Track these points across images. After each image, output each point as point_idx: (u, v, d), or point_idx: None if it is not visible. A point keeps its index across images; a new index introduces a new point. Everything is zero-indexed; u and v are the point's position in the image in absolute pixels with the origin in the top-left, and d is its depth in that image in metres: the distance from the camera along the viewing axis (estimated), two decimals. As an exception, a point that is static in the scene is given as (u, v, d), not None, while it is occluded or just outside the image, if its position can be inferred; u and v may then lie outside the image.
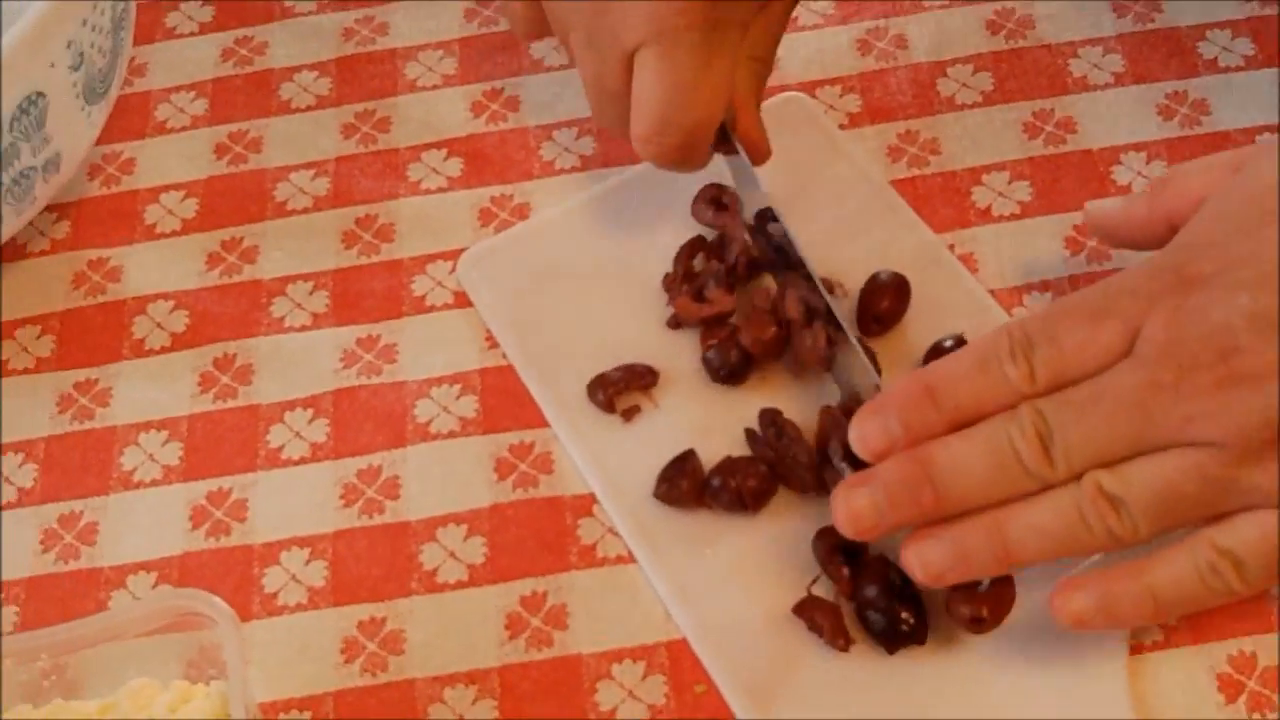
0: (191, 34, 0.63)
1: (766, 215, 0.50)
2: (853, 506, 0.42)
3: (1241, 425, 0.39)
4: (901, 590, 0.44)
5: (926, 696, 0.43)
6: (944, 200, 0.54)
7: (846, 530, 0.43)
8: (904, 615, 0.43)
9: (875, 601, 0.44)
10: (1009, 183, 0.54)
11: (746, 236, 0.51)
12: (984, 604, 0.43)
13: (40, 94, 0.49)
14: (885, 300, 0.50)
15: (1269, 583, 0.41)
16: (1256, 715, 0.42)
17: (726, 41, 0.48)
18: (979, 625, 0.43)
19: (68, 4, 0.48)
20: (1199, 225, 0.43)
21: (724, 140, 0.51)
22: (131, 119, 0.60)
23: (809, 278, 0.48)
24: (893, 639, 0.44)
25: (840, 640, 0.44)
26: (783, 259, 0.50)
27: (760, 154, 0.51)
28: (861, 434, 0.43)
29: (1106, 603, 0.41)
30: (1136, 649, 0.44)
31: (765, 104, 0.55)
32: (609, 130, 0.52)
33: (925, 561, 0.42)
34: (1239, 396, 0.39)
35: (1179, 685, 0.43)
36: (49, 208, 0.57)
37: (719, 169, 0.52)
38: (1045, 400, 0.41)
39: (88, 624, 0.42)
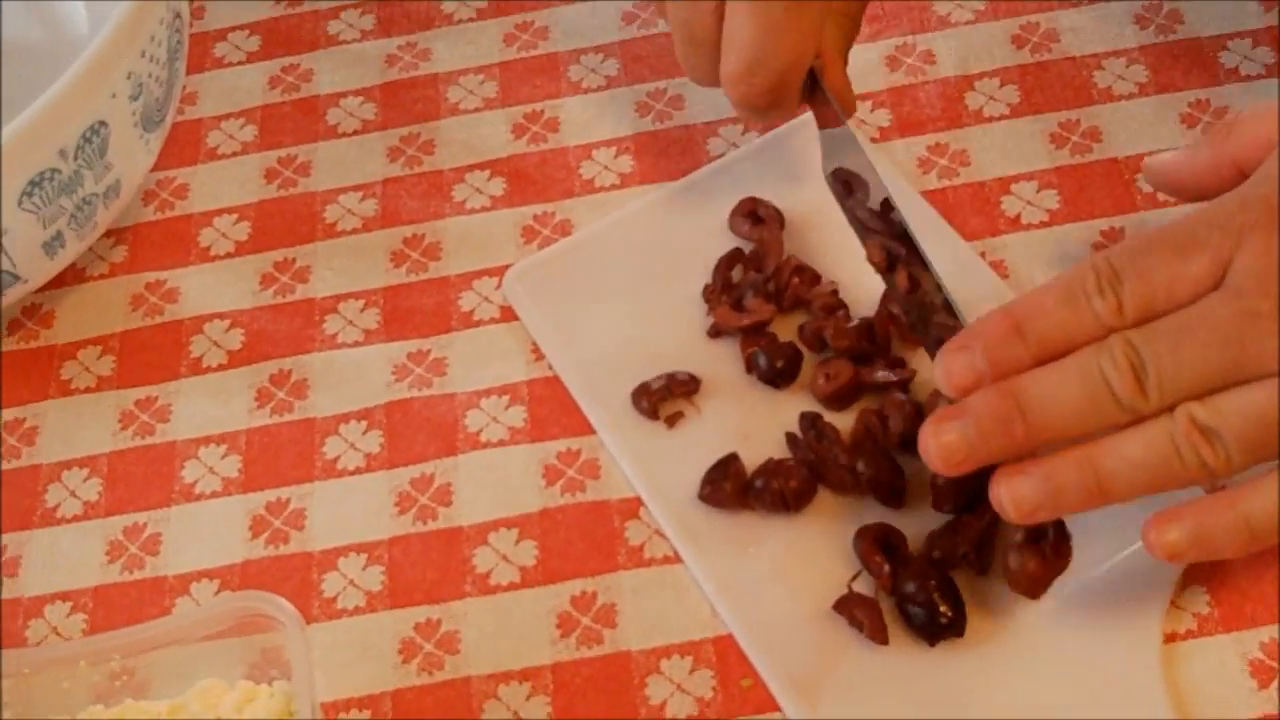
0: (240, 63, 0.65)
1: (853, 178, 0.51)
2: (943, 440, 0.42)
3: None
4: (940, 584, 0.45)
5: (965, 688, 0.45)
6: (974, 209, 0.55)
7: (936, 464, 0.43)
8: (943, 609, 0.45)
9: (915, 596, 0.45)
10: (1037, 191, 0.56)
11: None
12: (1042, 559, 0.43)
13: (103, 123, 0.51)
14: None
15: None
16: (1289, 700, 0.44)
17: None
18: (1035, 584, 0.44)
19: (128, 36, 0.50)
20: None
21: (812, 92, 0.52)
22: (184, 146, 0.62)
23: (895, 230, 0.49)
24: (933, 631, 0.45)
25: (879, 635, 0.45)
26: (861, 220, 0.51)
27: (848, 106, 0.52)
28: (947, 369, 0.43)
29: (1201, 533, 0.41)
30: (1170, 638, 0.45)
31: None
32: (696, 79, 0.53)
33: (1018, 497, 0.42)
34: None
35: (1212, 673, 0.44)
36: (107, 233, 0.59)
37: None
38: (1136, 332, 0.41)
39: (160, 625, 0.44)
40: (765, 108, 0.51)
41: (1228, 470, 0.41)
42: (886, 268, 0.49)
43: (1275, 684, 0.44)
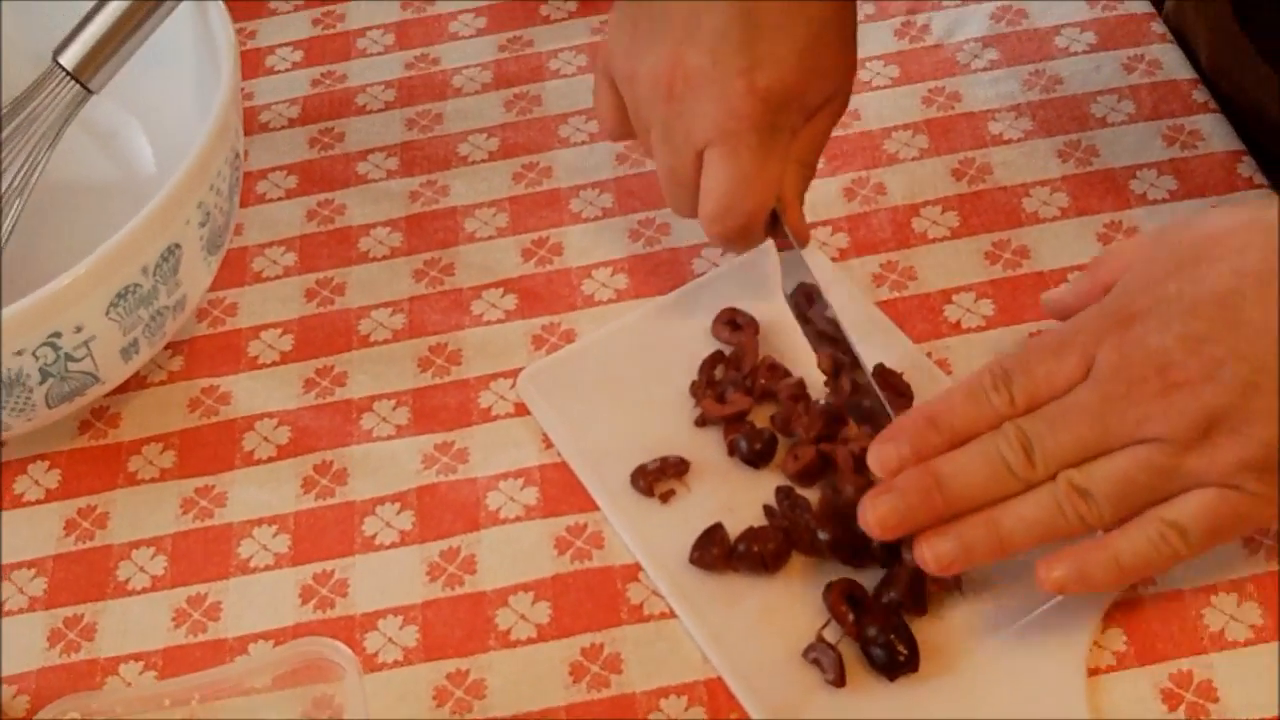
0: (280, 198, 0.74)
1: (810, 292, 0.60)
2: (879, 511, 0.52)
3: (1179, 422, 0.49)
4: (896, 628, 0.53)
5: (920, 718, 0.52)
6: (921, 317, 0.64)
7: (874, 531, 0.52)
8: (900, 648, 0.53)
9: (876, 638, 0.53)
10: (975, 301, 0.64)
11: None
12: None
13: (177, 245, 0.60)
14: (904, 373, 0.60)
15: (1209, 546, 0.50)
16: (1194, 720, 0.51)
17: (778, 144, 0.59)
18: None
19: (202, 169, 0.59)
20: (1132, 276, 0.53)
21: (774, 226, 0.61)
22: (233, 270, 0.71)
23: (839, 340, 0.58)
24: (893, 669, 0.53)
25: (838, 679, 0.53)
26: (816, 330, 0.60)
27: (803, 239, 0.62)
28: (879, 456, 0.53)
29: (1081, 570, 0.51)
30: (1094, 671, 0.53)
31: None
32: (679, 213, 0.62)
33: (937, 554, 0.51)
34: (1176, 400, 0.49)
35: (1129, 701, 0.52)
36: (166, 345, 0.67)
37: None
38: (1024, 418, 0.51)
39: (236, 666, 0.51)
40: (735, 241, 0.61)
41: (1100, 523, 0.51)
42: (833, 374, 0.58)
43: (1183, 708, 0.52)
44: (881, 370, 0.60)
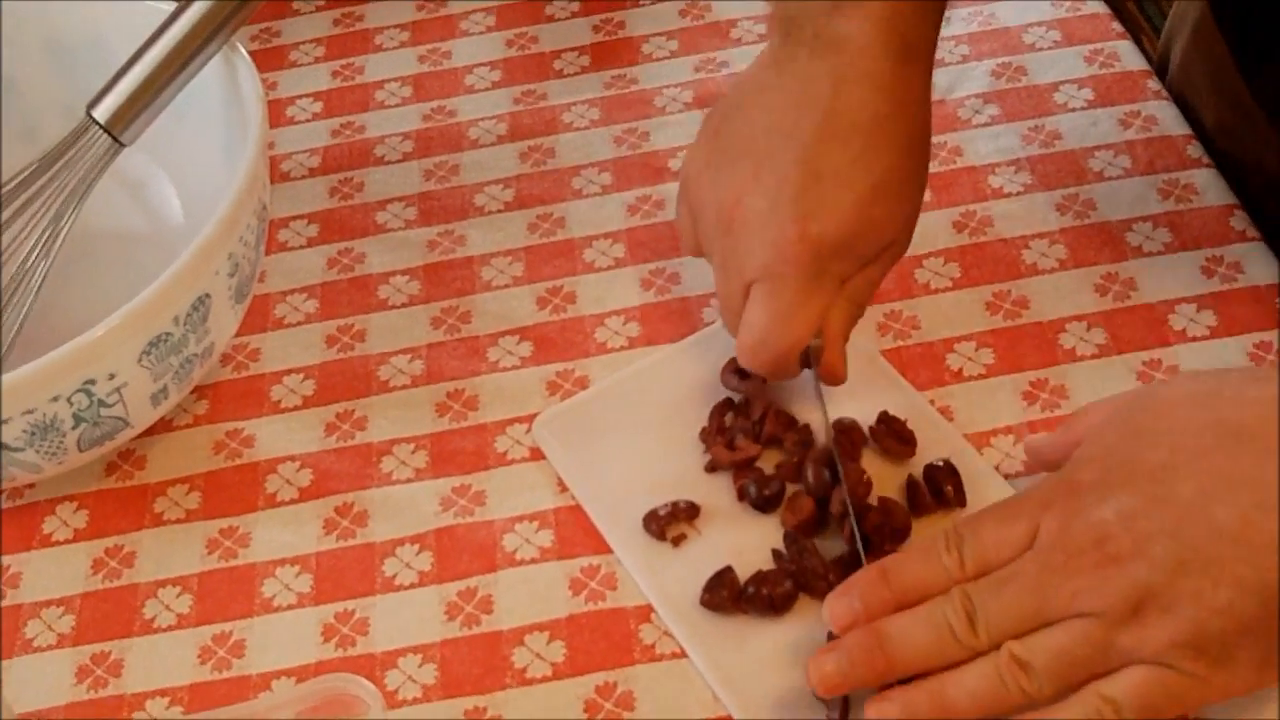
0: (301, 247, 0.76)
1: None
2: (823, 670, 0.53)
3: (1112, 598, 0.49)
4: None
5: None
6: (924, 365, 0.66)
7: (819, 689, 0.53)
8: None
9: None
10: (975, 350, 0.67)
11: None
12: None
13: (207, 295, 0.62)
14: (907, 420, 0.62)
15: None
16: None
17: (822, 288, 0.60)
18: None
19: (232, 222, 0.61)
20: (1086, 447, 0.54)
21: (811, 359, 0.62)
22: (256, 317, 0.73)
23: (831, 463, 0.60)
24: None
25: (840, 717, 0.54)
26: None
27: (835, 380, 0.62)
28: (832, 612, 0.54)
29: None
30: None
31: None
32: (729, 332, 0.63)
33: (883, 718, 0.52)
34: (1111, 574, 0.49)
35: None
36: (191, 390, 0.70)
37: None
38: (972, 584, 0.52)
39: (264, 700, 0.53)
40: (768, 374, 0.62)
41: (1040, 695, 0.51)
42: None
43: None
44: (885, 417, 0.62)
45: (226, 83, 0.69)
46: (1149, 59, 0.80)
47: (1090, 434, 0.55)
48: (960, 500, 0.60)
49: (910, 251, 0.70)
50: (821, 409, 0.62)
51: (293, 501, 0.66)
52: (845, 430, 0.62)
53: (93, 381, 0.60)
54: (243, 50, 0.68)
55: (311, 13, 0.90)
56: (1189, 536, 0.49)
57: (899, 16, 0.59)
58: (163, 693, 0.60)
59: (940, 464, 0.60)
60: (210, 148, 0.71)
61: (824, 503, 0.60)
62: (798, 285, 0.59)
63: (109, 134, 0.66)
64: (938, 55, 0.62)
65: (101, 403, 0.61)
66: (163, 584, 0.63)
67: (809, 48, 0.60)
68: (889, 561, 0.55)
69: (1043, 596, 0.51)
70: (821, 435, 0.63)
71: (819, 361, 0.62)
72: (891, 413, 0.63)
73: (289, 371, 0.71)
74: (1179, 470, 0.50)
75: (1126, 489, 0.50)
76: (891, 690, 0.53)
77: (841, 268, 0.60)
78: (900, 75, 0.59)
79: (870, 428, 0.63)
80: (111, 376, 0.60)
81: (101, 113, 0.66)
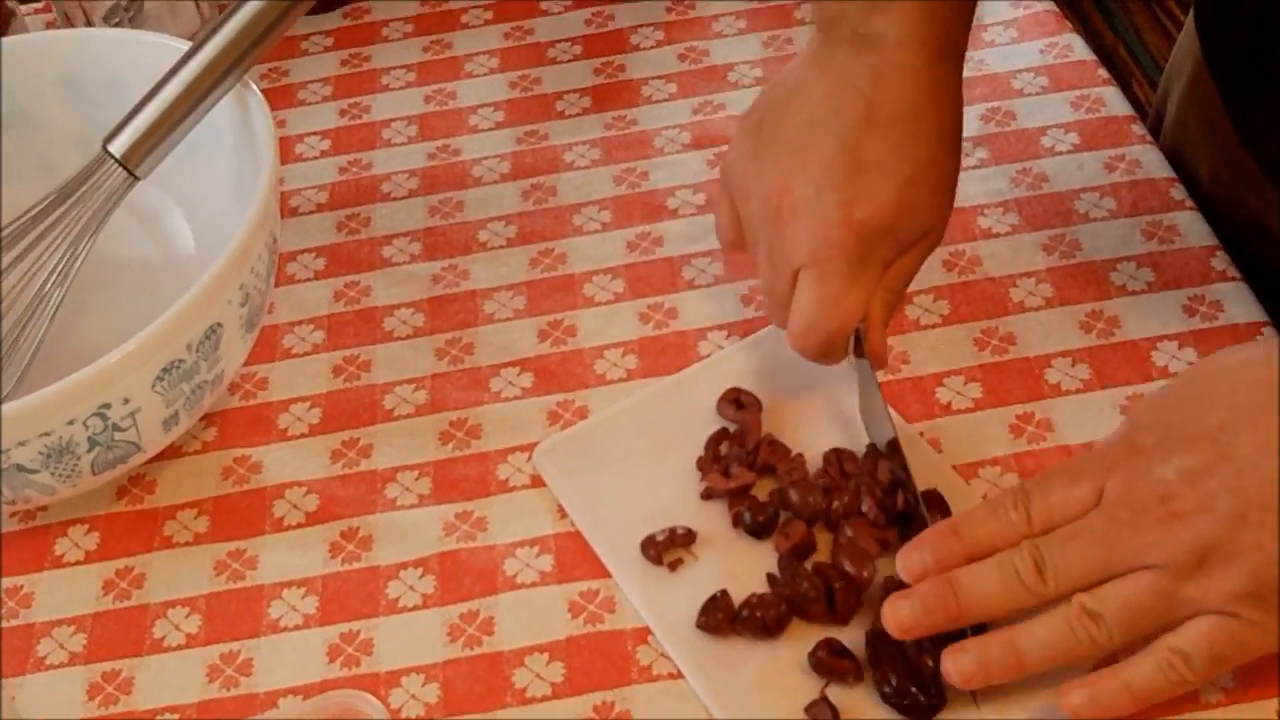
0: (309, 279, 0.78)
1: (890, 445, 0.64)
2: (899, 614, 0.56)
3: (1177, 551, 0.52)
4: (916, 674, 0.56)
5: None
6: (915, 398, 0.68)
7: (894, 631, 0.56)
8: (920, 695, 0.56)
9: (900, 686, 0.57)
10: (964, 384, 0.69)
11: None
12: None
13: (220, 324, 0.64)
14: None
15: (1215, 672, 0.53)
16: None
17: (868, 273, 0.63)
18: None
19: (244, 253, 0.63)
20: (1144, 415, 0.56)
21: (856, 346, 0.65)
22: (264, 347, 0.75)
23: (903, 467, 0.62)
24: (919, 712, 0.56)
25: None
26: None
27: (880, 364, 0.65)
28: (905, 563, 0.57)
29: (1095, 697, 0.54)
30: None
31: (772, 326, 0.71)
32: (775, 323, 0.66)
33: (960, 668, 0.55)
34: (1175, 530, 0.52)
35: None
36: (200, 417, 0.71)
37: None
38: (1041, 538, 0.55)
39: (267, 716, 0.54)
40: (818, 357, 0.65)
41: (1110, 644, 0.53)
42: (889, 489, 0.62)
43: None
44: (932, 495, 0.63)
45: (239, 118, 0.71)
46: (1138, 103, 0.82)
47: (1145, 403, 0.57)
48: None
49: (901, 288, 0.72)
50: (880, 400, 0.64)
51: (299, 526, 0.67)
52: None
53: (108, 406, 0.61)
54: (254, 86, 0.71)
55: (320, 53, 0.92)
56: (1249, 491, 0.52)
57: (932, 15, 0.63)
58: (172, 709, 0.61)
59: (929, 493, 0.62)
60: (222, 181, 0.74)
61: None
62: (844, 269, 0.62)
63: (124, 168, 0.69)
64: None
65: (115, 427, 0.62)
66: (172, 604, 0.65)
67: (848, 44, 0.64)
68: (958, 518, 0.58)
69: (1110, 549, 0.53)
70: (818, 462, 0.65)
71: (864, 344, 0.64)
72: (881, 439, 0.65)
73: (296, 400, 0.73)
74: (1237, 429, 0.53)
75: (1188, 449, 0.53)
76: (966, 641, 0.55)
77: (884, 253, 0.63)
78: (934, 70, 0.63)
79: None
80: (126, 401, 0.62)
81: (117, 147, 0.69)
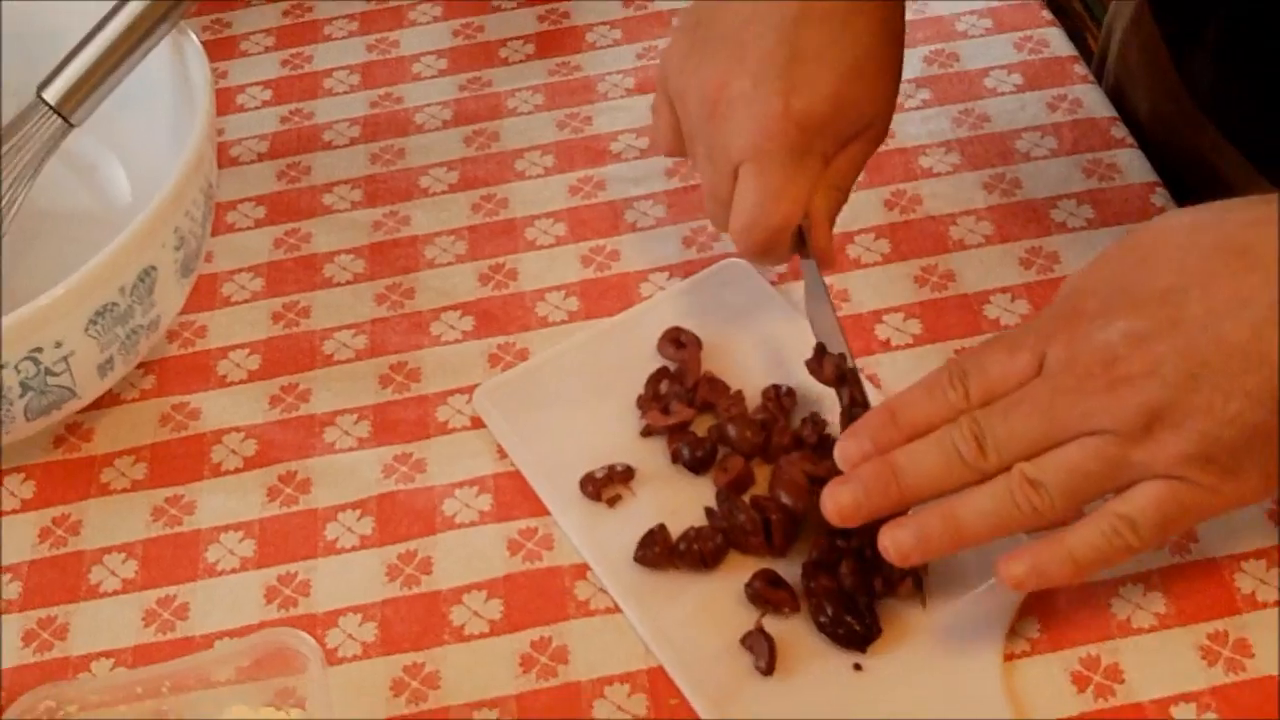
0: (249, 228, 0.78)
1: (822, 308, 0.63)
2: (839, 500, 0.55)
3: (1123, 416, 0.51)
4: (850, 605, 0.57)
5: (844, 703, 0.56)
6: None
7: (834, 519, 0.55)
8: (856, 625, 0.56)
9: (835, 617, 0.57)
10: (904, 320, 0.69)
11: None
12: None
13: (153, 267, 0.63)
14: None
15: (1161, 538, 0.52)
16: (1101, 701, 0.55)
17: (808, 166, 0.62)
18: None
19: (178, 197, 0.63)
20: (1083, 280, 0.55)
21: (802, 244, 0.64)
22: (203, 295, 0.74)
23: (844, 357, 0.61)
24: (854, 642, 0.56)
25: (765, 665, 0.56)
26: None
27: (826, 262, 0.64)
28: (844, 451, 0.56)
29: (1037, 566, 0.53)
30: (1010, 656, 0.56)
31: (713, 268, 0.71)
32: (716, 227, 0.65)
33: (897, 543, 0.54)
34: (1122, 394, 0.51)
35: (1042, 682, 0.56)
36: (138, 365, 0.71)
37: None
38: (979, 411, 0.54)
39: (204, 656, 0.54)
40: (761, 256, 0.64)
41: (1053, 512, 0.52)
42: (836, 381, 0.61)
43: (1090, 688, 0.55)
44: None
45: (175, 67, 0.71)
46: (1091, 54, 0.82)
47: (1084, 271, 0.55)
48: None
49: (841, 228, 0.72)
50: (826, 299, 0.63)
51: (237, 470, 0.67)
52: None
53: (40, 350, 0.61)
54: (191, 34, 0.70)
55: (262, 4, 0.92)
56: (1199, 353, 0.50)
57: None
58: (107, 654, 0.61)
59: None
60: (159, 131, 0.73)
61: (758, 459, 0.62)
62: (785, 161, 0.61)
63: (59, 114, 0.68)
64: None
65: (49, 371, 0.62)
66: (108, 550, 0.65)
67: None
68: (894, 400, 0.56)
69: (1052, 418, 0.52)
70: (758, 399, 0.65)
71: (809, 242, 0.63)
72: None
73: (235, 347, 0.72)
74: (1188, 292, 0.51)
75: (1134, 312, 0.52)
76: (903, 516, 0.54)
77: (825, 145, 0.62)
78: None
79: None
80: (58, 345, 0.61)
81: (52, 94, 0.68)
